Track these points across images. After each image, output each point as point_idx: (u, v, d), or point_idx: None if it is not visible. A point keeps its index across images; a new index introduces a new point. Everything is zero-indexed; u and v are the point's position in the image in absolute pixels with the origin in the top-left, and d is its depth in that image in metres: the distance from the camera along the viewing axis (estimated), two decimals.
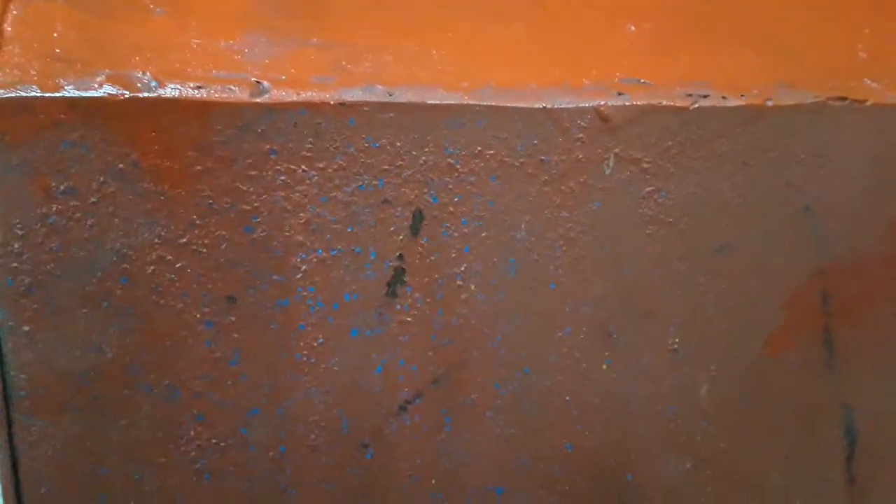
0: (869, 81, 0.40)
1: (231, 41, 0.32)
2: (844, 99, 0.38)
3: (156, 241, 0.30)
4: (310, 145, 0.30)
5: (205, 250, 0.31)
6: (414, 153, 0.32)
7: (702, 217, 0.37)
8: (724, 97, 0.36)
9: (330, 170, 0.31)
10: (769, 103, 0.37)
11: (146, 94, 0.29)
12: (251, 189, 0.30)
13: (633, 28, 0.41)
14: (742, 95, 0.37)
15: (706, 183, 0.37)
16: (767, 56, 0.40)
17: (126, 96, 0.28)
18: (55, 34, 0.30)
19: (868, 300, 0.41)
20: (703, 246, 0.37)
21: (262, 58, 0.31)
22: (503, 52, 0.36)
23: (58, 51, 0.29)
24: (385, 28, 0.36)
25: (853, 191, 0.39)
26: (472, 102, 0.32)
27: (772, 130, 0.37)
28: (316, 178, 0.31)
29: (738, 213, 0.37)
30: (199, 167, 0.29)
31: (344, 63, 0.32)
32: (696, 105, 0.36)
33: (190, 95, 0.29)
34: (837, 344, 0.41)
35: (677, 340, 0.38)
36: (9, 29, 0.30)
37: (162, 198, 0.30)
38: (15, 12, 0.30)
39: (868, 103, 0.38)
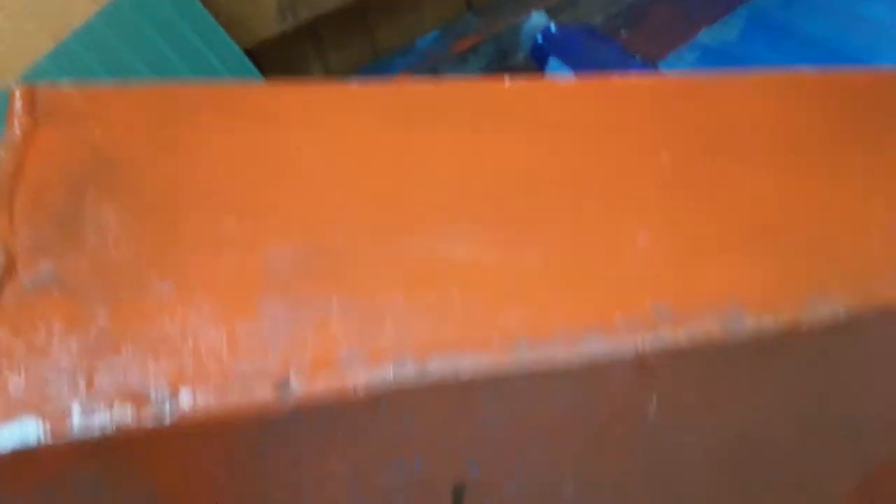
0: (892, 277, 0.39)
1: (248, 318, 0.30)
2: (876, 307, 0.37)
3: None
4: (340, 441, 0.28)
5: None
6: (450, 430, 0.30)
7: (747, 451, 0.35)
8: (759, 320, 0.35)
9: (362, 458, 0.28)
10: (804, 323, 0.35)
11: (160, 414, 0.26)
12: (282, 496, 0.27)
13: (648, 240, 0.40)
14: (775, 315, 0.35)
15: (748, 413, 0.35)
16: (793, 261, 0.39)
17: (138, 426, 0.25)
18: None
19: None
20: (752, 479, 0.35)
21: (283, 339, 0.29)
22: (527, 289, 0.35)
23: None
24: (399, 274, 0.34)
25: (893, 400, 0.38)
26: (509, 367, 0.30)
27: (807, 349, 0.36)
28: (348, 470, 0.28)
29: (783, 440, 0.36)
30: (223, 485, 0.26)
31: (369, 330, 0.30)
32: (732, 333, 0.34)
33: (210, 406, 0.26)
34: None
35: None
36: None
37: None
38: None
39: None
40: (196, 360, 0.28)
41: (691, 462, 0.34)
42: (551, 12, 1.23)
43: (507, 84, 0.58)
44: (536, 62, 1.20)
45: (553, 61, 1.13)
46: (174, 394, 0.27)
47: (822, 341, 0.36)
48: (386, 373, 0.29)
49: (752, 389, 0.35)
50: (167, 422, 0.26)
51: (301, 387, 0.28)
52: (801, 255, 0.40)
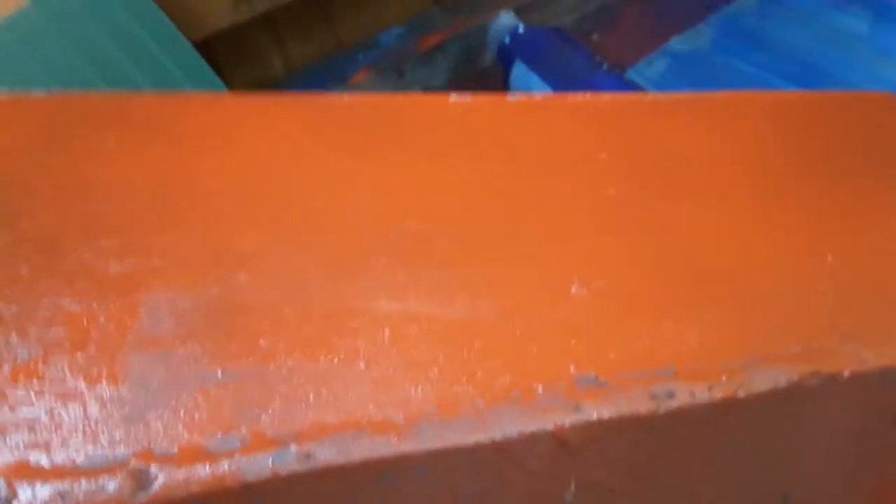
0: (840, 341, 0.37)
1: (111, 386, 0.26)
2: (819, 374, 0.35)
3: None
4: None
5: None
6: None
7: None
8: (692, 392, 0.32)
9: None
10: (741, 393, 0.33)
11: None
12: None
13: (582, 290, 0.37)
14: (710, 387, 0.32)
15: (677, 493, 0.32)
16: (732, 320, 0.36)
17: None
18: None
19: None
20: None
21: (148, 416, 0.26)
22: (440, 350, 0.32)
23: None
24: (302, 328, 0.31)
25: (830, 470, 0.36)
26: (408, 450, 0.27)
27: (745, 423, 0.33)
28: None
29: None
30: None
31: (251, 408, 0.27)
32: (663, 409, 0.31)
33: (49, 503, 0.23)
34: None
35: None
36: None
37: None
38: None
39: (844, 374, 0.35)
40: (41, 444, 0.24)
41: None
42: (522, 11, 1.19)
43: (452, 100, 0.55)
44: (502, 64, 1.16)
45: (518, 65, 1.10)
46: (9, 489, 0.23)
47: (761, 411, 0.34)
48: (264, 462, 0.25)
49: (683, 464, 0.33)
50: None
51: (161, 481, 0.24)
52: (745, 314, 0.37)
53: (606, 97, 0.60)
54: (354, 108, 0.49)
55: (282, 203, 0.38)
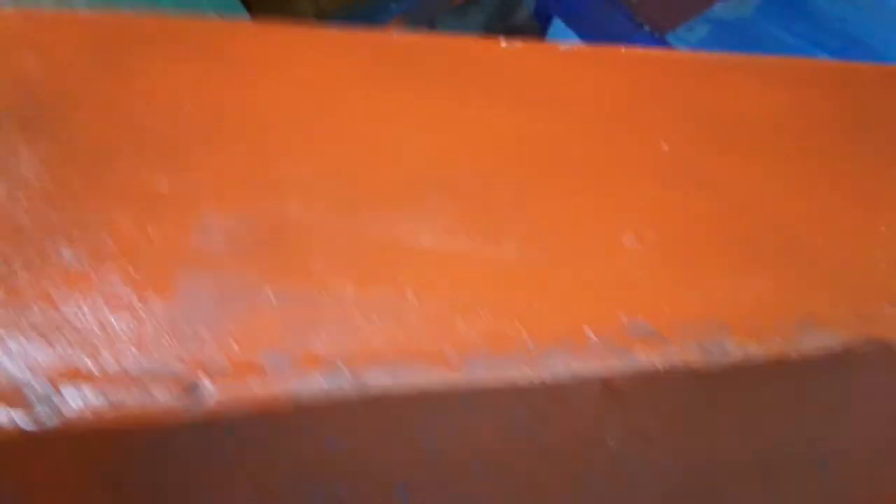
0: (892, 309, 0.36)
1: (162, 302, 0.26)
2: (871, 340, 0.34)
3: None
4: (253, 458, 0.24)
5: None
6: (383, 450, 0.26)
7: (715, 485, 0.32)
8: (745, 349, 0.31)
9: (278, 483, 0.25)
10: (794, 353, 0.32)
11: (35, 416, 0.22)
12: None
13: (635, 242, 0.36)
14: (762, 342, 0.32)
15: (720, 448, 0.32)
16: (785, 279, 0.36)
17: (8, 426, 0.22)
18: None
19: None
20: None
21: (200, 332, 0.25)
22: (490, 289, 0.31)
23: None
24: (354, 258, 0.30)
25: (874, 440, 0.35)
26: (459, 382, 0.27)
27: (793, 381, 0.33)
28: (260, 495, 0.24)
29: (752, 476, 0.33)
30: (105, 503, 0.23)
31: (303, 329, 0.26)
32: (714, 363, 0.31)
33: (97, 410, 0.23)
34: None
35: None
36: None
37: None
38: None
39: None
40: (90, 350, 0.24)
41: (650, 498, 0.31)
42: None
43: (503, 46, 0.53)
44: (539, 22, 1.14)
45: (557, 23, 1.07)
46: (56, 391, 0.23)
47: (811, 374, 0.33)
48: (316, 383, 0.25)
49: (727, 420, 0.32)
50: (44, 425, 0.22)
51: (213, 394, 0.24)
52: (800, 274, 0.36)
53: (658, 52, 0.58)
54: (408, 47, 0.48)
55: (335, 135, 0.37)
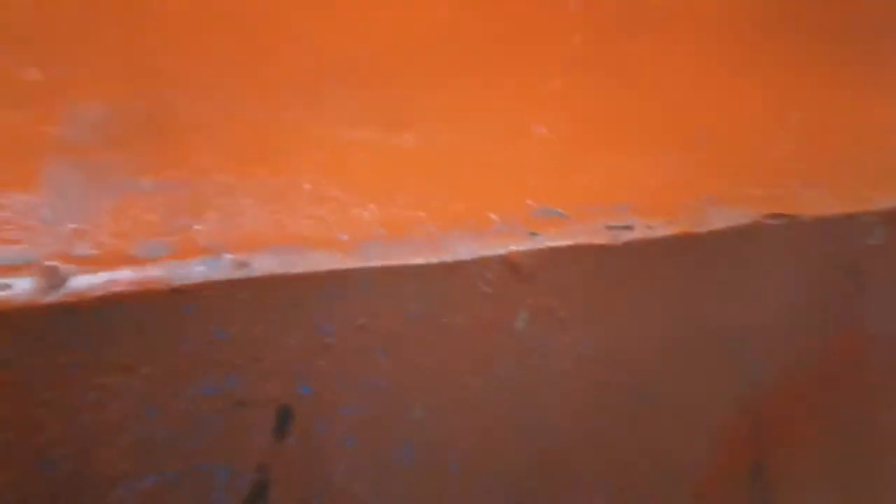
0: (801, 187, 0.36)
1: (26, 192, 0.24)
2: (780, 216, 0.34)
3: None
4: (129, 349, 0.23)
5: None
6: (277, 338, 0.25)
7: (625, 364, 0.32)
8: (649, 227, 0.31)
9: (159, 375, 0.23)
10: (699, 229, 0.32)
11: None
12: (48, 415, 0.22)
13: (544, 131, 0.35)
14: (668, 222, 0.31)
15: (628, 326, 0.31)
16: (693, 161, 0.35)
17: None
18: None
19: (798, 421, 0.38)
20: (628, 396, 0.32)
21: (67, 219, 0.23)
22: (392, 177, 0.30)
23: None
24: (243, 148, 0.28)
25: (786, 313, 0.36)
26: (354, 266, 0.25)
27: (701, 258, 0.32)
28: (139, 388, 0.23)
29: (664, 355, 0.33)
30: None
31: (182, 217, 0.25)
32: (621, 240, 0.30)
33: None
34: (766, 473, 0.37)
35: (601, 502, 0.33)
36: None
37: None
38: None
39: (805, 217, 0.34)
40: None
41: (559, 380, 0.30)
42: None
43: None
44: None
45: None
46: None
47: (717, 250, 0.33)
48: (195, 268, 0.23)
49: (637, 300, 0.32)
50: None
51: (79, 281, 0.22)
52: (709, 157, 0.36)
53: None
54: None
55: (227, 23, 0.35)
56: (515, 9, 0.44)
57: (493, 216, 0.29)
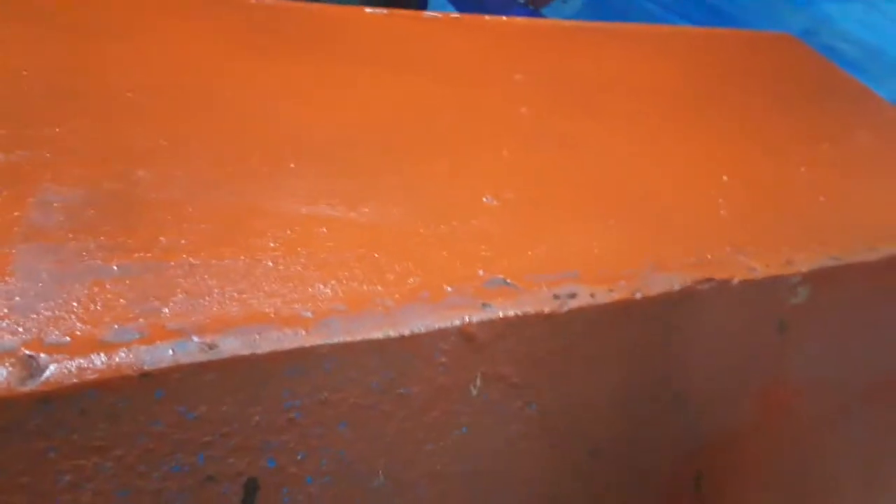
0: (732, 252, 0.39)
1: (2, 279, 0.25)
2: (711, 280, 0.36)
3: None
4: (102, 433, 0.24)
5: None
6: (243, 415, 0.26)
7: (574, 423, 0.34)
8: (592, 294, 0.33)
9: (131, 456, 0.24)
10: (638, 296, 0.34)
11: None
12: (24, 499, 0.23)
13: (494, 203, 0.37)
14: (610, 290, 0.34)
15: (576, 388, 0.34)
16: (635, 230, 0.38)
17: None
18: None
19: (738, 471, 0.40)
20: (579, 452, 0.34)
21: (41, 306, 0.24)
22: (351, 252, 0.31)
23: None
24: (208, 228, 0.30)
25: (721, 369, 0.38)
26: (316, 343, 0.27)
27: (641, 323, 0.35)
28: (112, 469, 0.24)
29: (610, 413, 0.35)
30: None
31: (151, 301, 0.26)
32: (566, 308, 0.32)
33: None
34: None
35: None
36: None
37: None
38: None
39: (734, 282, 0.37)
40: None
41: (514, 441, 0.32)
42: None
43: (369, 12, 0.53)
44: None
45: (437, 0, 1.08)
46: None
47: (655, 313, 0.35)
48: (164, 352, 0.24)
49: (583, 362, 0.34)
50: None
51: (54, 369, 0.23)
52: (649, 225, 0.39)
53: (522, 20, 0.60)
54: (267, 11, 0.47)
55: (189, 101, 0.36)
56: (465, 83, 0.47)
57: (447, 288, 0.31)
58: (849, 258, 0.41)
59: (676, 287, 0.35)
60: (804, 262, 0.39)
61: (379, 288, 0.30)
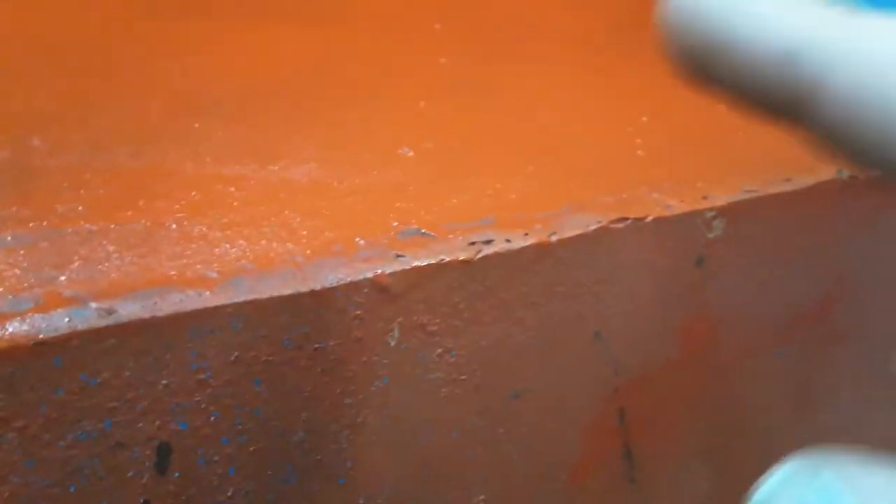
0: (648, 191, 0.39)
1: None
2: (625, 219, 0.37)
3: None
4: (1, 403, 0.23)
5: None
6: (150, 379, 0.26)
7: (495, 367, 0.34)
8: (508, 240, 0.33)
9: (35, 426, 0.24)
10: (553, 238, 0.35)
11: None
12: None
13: (411, 154, 0.37)
14: (526, 234, 0.34)
15: (496, 332, 0.34)
16: (553, 175, 0.38)
17: None
18: None
19: (660, 406, 0.42)
20: (500, 396, 0.35)
21: None
22: (261, 211, 0.31)
23: None
24: (107, 194, 0.29)
25: (641, 306, 0.39)
26: (221, 302, 0.27)
27: (558, 265, 0.35)
28: (15, 440, 0.24)
29: (531, 355, 0.35)
30: None
31: (48, 270, 0.25)
32: (481, 254, 0.33)
33: None
34: (637, 456, 0.41)
35: (483, 497, 0.35)
36: None
37: None
38: None
39: (648, 219, 0.38)
40: None
41: (434, 388, 0.32)
42: None
43: None
44: None
45: None
46: None
47: (572, 254, 0.36)
48: (60, 320, 0.24)
49: (498, 306, 0.34)
50: None
51: None
52: (565, 169, 0.39)
53: None
54: None
55: (87, 64, 0.35)
56: (383, 35, 0.46)
57: (360, 241, 0.31)
58: (763, 190, 0.42)
59: (592, 227, 0.36)
60: (720, 197, 0.40)
61: (289, 245, 0.30)
